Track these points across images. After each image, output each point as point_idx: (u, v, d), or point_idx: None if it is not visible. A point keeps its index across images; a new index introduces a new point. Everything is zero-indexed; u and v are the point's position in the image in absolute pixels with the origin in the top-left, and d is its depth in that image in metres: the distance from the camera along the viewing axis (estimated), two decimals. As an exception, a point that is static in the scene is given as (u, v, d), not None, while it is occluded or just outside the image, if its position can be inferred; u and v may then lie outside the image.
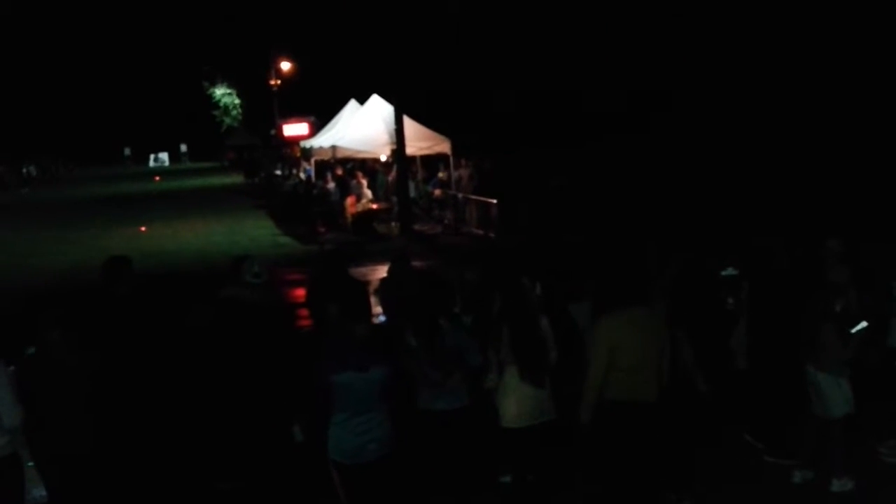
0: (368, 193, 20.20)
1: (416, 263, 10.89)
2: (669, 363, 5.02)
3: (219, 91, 66.94)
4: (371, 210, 19.72)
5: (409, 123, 19.49)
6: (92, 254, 17.96)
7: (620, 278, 5.04)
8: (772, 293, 6.27)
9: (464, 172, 20.17)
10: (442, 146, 20.80)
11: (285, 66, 42.07)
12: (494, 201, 17.24)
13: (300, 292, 11.56)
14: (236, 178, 43.29)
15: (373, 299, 7.76)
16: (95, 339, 5.03)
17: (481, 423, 5.20)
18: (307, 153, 24.81)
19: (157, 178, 48.01)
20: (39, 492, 5.49)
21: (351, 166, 22.69)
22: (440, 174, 21.20)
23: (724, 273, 7.47)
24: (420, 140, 20.35)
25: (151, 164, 62.85)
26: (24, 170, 51.06)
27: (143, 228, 22.73)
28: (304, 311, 7.85)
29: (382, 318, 7.36)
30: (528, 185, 18.66)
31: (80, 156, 64.60)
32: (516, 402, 5.11)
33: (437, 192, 20.45)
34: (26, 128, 63.10)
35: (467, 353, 4.99)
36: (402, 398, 4.69)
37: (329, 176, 21.54)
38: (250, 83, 56.67)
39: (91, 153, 65.44)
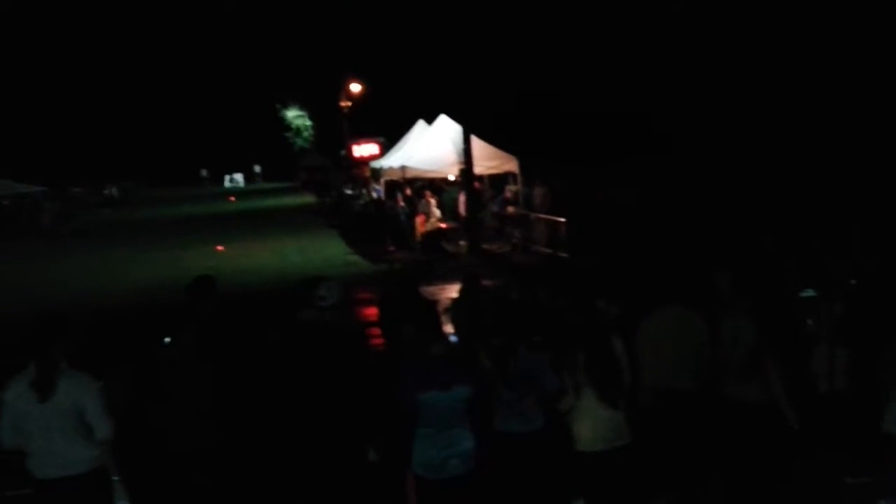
0: (437, 212, 20.36)
1: (486, 282, 10.91)
2: (710, 357, 5.52)
3: (291, 113, 68.93)
4: (440, 229, 19.86)
5: (476, 143, 19.63)
6: (172, 272, 18.58)
7: (656, 284, 5.88)
8: (863, 313, 6.11)
9: (538, 191, 20.13)
10: (510, 165, 20.85)
11: (355, 88, 42.83)
12: (563, 220, 17.15)
13: (371, 311, 11.72)
14: (308, 198, 44.19)
15: (443, 318, 7.81)
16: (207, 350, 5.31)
17: (556, 446, 5.18)
18: (377, 173, 25.19)
19: (233, 198, 49.35)
20: (125, 506, 5.68)
21: (419, 185, 22.94)
22: (507, 192, 21.24)
23: (803, 294, 7.28)
24: (488, 159, 20.47)
25: (227, 184, 64.73)
26: (106, 191, 53.13)
27: (220, 247, 23.34)
28: (376, 331, 7.95)
29: (454, 339, 7.40)
30: (596, 202, 18.52)
31: (159, 177, 67.02)
32: (592, 425, 5.08)
33: (511, 209, 20.44)
34: (108, 151, 65.90)
35: (542, 376, 4.98)
36: (482, 418, 4.72)
37: (399, 196, 21.81)
38: (321, 105, 58.01)
39: (170, 175, 67.85)
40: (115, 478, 5.60)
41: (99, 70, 67.52)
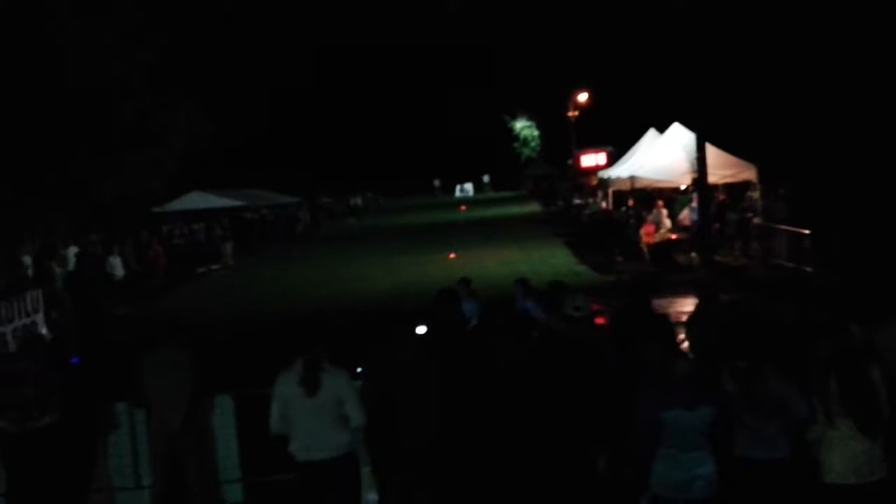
0: (668, 223, 19.80)
1: (723, 297, 10.43)
2: None
3: (519, 124, 70.31)
4: (669, 240, 19.29)
5: (711, 150, 18.84)
6: (411, 279, 19.70)
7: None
8: None
9: (780, 200, 18.88)
10: (747, 173, 19.81)
11: (582, 97, 42.77)
12: (807, 231, 15.96)
13: (599, 322, 11.66)
14: (534, 207, 44.78)
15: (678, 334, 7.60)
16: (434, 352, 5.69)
17: (802, 476, 4.89)
18: (605, 183, 25.00)
19: (463, 207, 51.25)
20: (373, 496, 6.14)
21: (649, 195, 22.44)
22: (745, 201, 20.12)
23: None
24: (723, 168, 19.60)
25: (457, 194, 67.46)
26: (351, 201, 57.52)
27: (452, 255, 24.32)
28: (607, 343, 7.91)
29: (691, 356, 7.20)
30: (843, 213, 16.98)
31: (397, 187, 71.51)
32: (843, 457, 4.74)
33: (756, 219, 19.34)
34: (353, 165, 71.36)
35: (791, 401, 4.73)
36: (723, 442, 4.59)
37: (628, 207, 21.51)
38: (548, 115, 58.57)
39: (406, 185, 72.14)
40: (367, 468, 6.11)
41: (345, 90, 73.31)
